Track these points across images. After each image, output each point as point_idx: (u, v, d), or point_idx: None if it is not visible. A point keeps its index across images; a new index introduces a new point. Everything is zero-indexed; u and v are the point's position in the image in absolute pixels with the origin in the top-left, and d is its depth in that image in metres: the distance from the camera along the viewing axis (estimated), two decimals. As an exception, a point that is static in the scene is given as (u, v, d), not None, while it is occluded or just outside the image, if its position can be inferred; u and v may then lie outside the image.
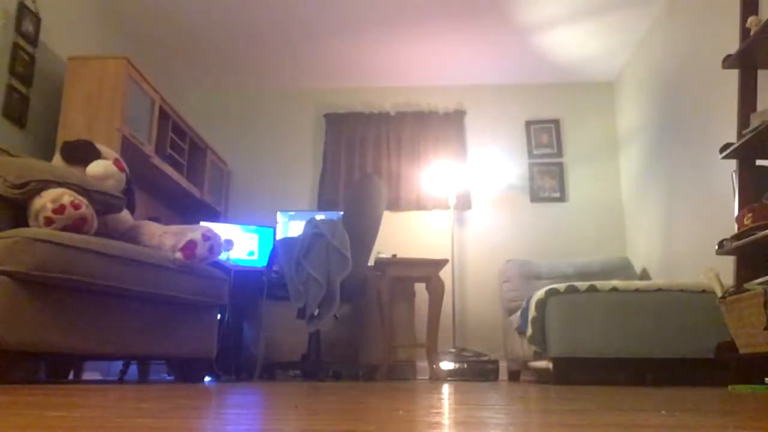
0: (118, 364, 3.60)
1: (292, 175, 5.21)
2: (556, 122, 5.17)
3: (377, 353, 4.12)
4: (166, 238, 2.62)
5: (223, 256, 4.05)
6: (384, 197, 3.75)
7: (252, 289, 3.86)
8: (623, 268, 4.42)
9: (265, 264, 4.44)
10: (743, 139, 2.46)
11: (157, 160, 3.85)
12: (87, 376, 3.67)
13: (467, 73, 5.12)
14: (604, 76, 5.15)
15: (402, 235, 5.01)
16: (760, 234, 2.27)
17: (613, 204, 5.02)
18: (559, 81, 5.23)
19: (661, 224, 4.19)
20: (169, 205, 4.64)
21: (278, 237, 4.58)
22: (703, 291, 3.00)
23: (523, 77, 5.18)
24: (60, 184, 2.27)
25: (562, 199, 5.03)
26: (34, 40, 3.37)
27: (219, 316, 3.40)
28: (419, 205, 4.99)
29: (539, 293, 3.13)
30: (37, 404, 0.96)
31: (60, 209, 2.18)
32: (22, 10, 3.28)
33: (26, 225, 2.20)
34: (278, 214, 4.68)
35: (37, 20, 3.39)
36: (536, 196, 5.05)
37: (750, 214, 2.38)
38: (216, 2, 4.17)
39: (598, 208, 5.01)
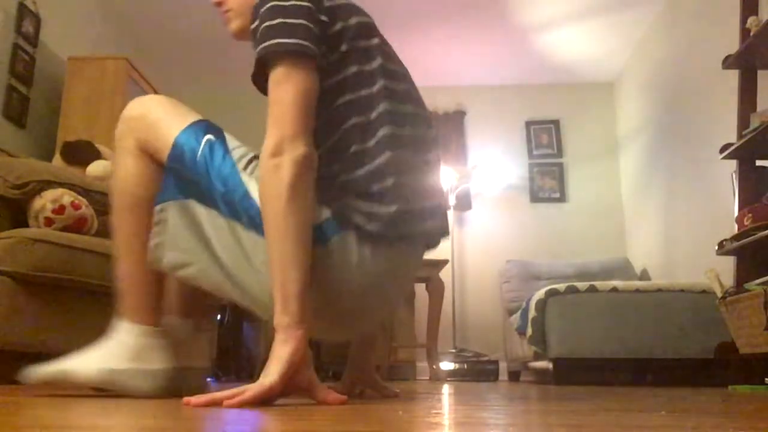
0: (118, 365, 3.59)
1: (292, 175, 5.21)
2: (556, 122, 5.17)
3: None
4: (166, 238, 2.62)
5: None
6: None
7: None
8: (623, 269, 4.42)
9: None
10: (743, 139, 2.46)
11: (157, 161, 3.85)
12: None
13: (467, 73, 5.12)
14: (604, 76, 5.15)
15: (402, 236, 5.00)
16: (760, 234, 2.27)
17: (613, 204, 5.01)
18: (559, 81, 5.22)
19: (661, 224, 4.19)
20: (169, 205, 4.63)
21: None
22: (703, 291, 3.00)
23: (523, 77, 5.18)
24: (60, 185, 2.27)
25: (562, 199, 5.03)
26: (34, 40, 3.37)
27: (219, 316, 3.40)
28: (419, 206, 4.99)
29: (539, 293, 3.13)
30: (37, 404, 0.96)
31: (60, 209, 2.18)
32: (22, 10, 3.28)
33: (26, 225, 2.20)
34: (278, 214, 4.68)
35: (37, 20, 3.39)
36: (536, 197, 5.05)
37: (750, 215, 2.38)
38: (216, 2, 4.17)
39: (598, 209, 5.01)
